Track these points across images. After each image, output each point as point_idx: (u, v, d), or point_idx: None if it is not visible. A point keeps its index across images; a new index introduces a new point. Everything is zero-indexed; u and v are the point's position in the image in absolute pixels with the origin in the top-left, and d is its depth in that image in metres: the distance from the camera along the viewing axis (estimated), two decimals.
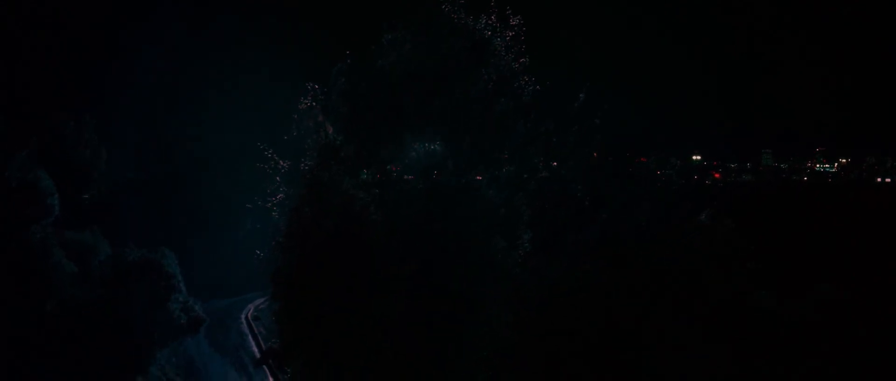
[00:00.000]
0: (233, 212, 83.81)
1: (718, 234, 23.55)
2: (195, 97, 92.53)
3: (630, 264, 22.53)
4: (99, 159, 63.66)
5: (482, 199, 23.12)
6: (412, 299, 22.79)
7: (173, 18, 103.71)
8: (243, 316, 70.37)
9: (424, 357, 22.82)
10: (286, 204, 25.77)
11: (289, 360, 31.05)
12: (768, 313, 22.89)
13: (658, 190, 25.63)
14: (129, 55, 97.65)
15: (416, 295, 22.78)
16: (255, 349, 59.11)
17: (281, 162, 25.10)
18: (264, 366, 52.90)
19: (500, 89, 24.00)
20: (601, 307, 22.10)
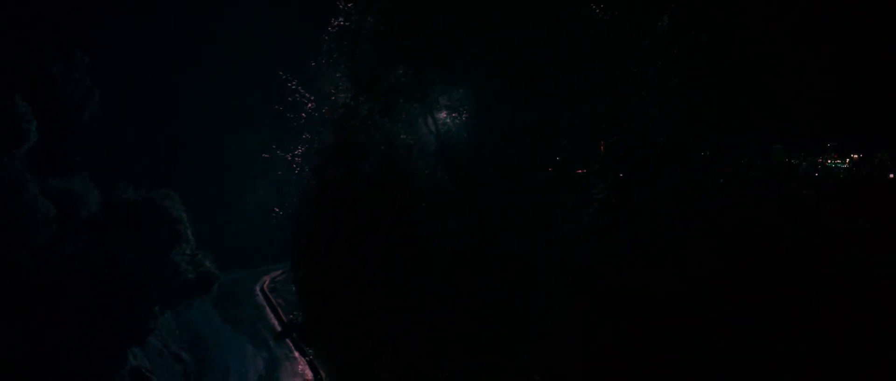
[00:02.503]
0: (246, 176, 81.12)
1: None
2: (205, 37, 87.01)
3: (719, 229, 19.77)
4: (90, 100, 60.08)
5: (542, 143, 21.64)
6: (457, 262, 21.66)
7: None
8: (258, 288, 68.05)
9: (469, 337, 21.56)
10: (310, 158, 24.85)
11: (312, 338, 30.44)
12: None
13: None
14: None
15: (462, 258, 21.62)
16: (275, 322, 56.27)
17: (305, 95, 24.07)
18: (287, 340, 49.85)
19: (567, 13, 21.56)
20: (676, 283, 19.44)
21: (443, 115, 22.99)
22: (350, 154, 23.57)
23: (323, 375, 37.37)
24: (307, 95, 23.85)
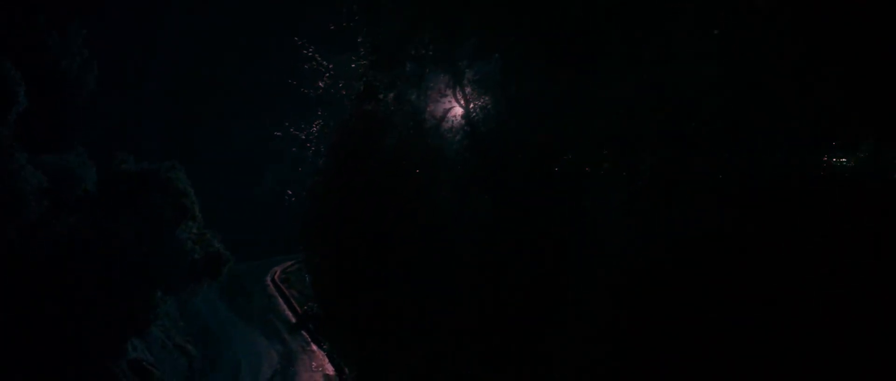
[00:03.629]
0: (255, 161, 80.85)
1: None
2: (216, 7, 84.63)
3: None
4: (89, 74, 58.02)
5: (581, 117, 20.19)
6: (490, 249, 20.48)
7: None
8: (269, 279, 66.35)
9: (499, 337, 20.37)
10: (326, 136, 24.27)
11: (329, 330, 29.16)
12: None
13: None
14: None
15: (494, 246, 20.46)
16: (288, 313, 54.59)
17: (322, 63, 23.14)
18: (303, 332, 47.94)
19: None
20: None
21: (471, 90, 22.30)
22: (371, 130, 22.90)
23: (346, 370, 34.10)
24: (324, 62, 23.31)
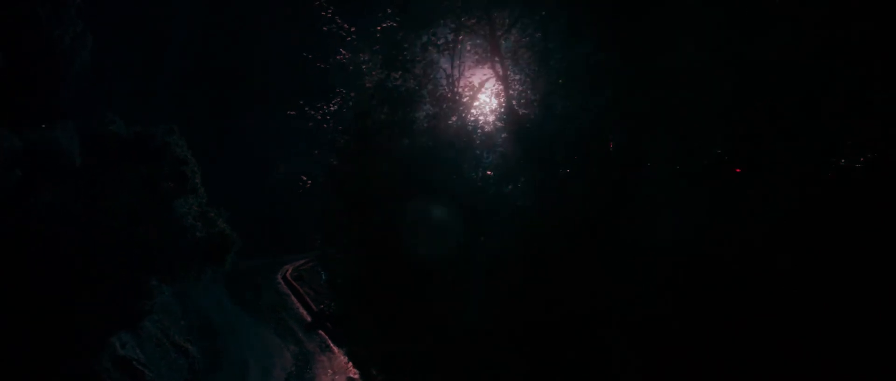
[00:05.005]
0: (265, 154, 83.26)
1: None
2: None
3: None
4: (83, 47, 55.15)
5: (640, 87, 19.62)
6: (530, 238, 20.23)
7: None
8: (280, 276, 67.14)
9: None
10: (345, 116, 23.90)
11: (348, 331, 29.28)
12: None
13: None
14: None
15: (535, 236, 20.14)
16: (303, 311, 54.93)
17: (342, 26, 22.51)
18: (321, 331, 48.37)
19: None
20: None
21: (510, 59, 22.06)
22: (398, 103, 22.60)
23: (374, 372, 33.81)
24: (344, 25, 22.78)
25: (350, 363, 40.15)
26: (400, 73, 22.39)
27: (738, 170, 19.62)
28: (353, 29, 22.72)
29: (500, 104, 22.02)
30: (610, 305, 19.53)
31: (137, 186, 35.05)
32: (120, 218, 34.35)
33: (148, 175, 35.21)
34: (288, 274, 68.04)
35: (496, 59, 21.72)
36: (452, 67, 22.42)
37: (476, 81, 22.56)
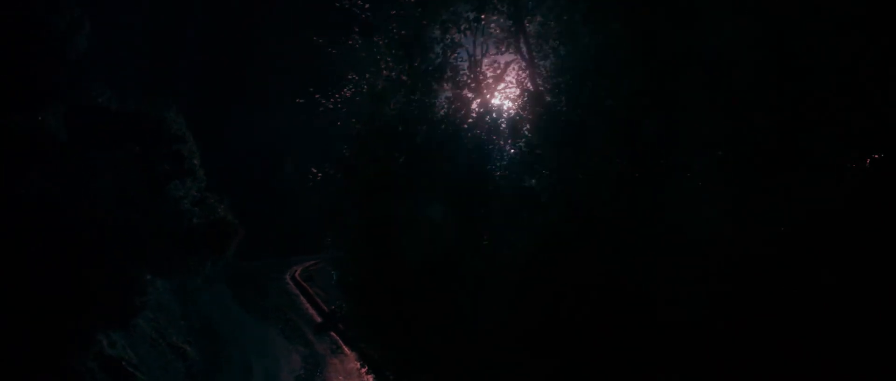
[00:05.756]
0: (272, 151, 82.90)
1: None
2: None
3: None
4: (79, 33, 55.14)
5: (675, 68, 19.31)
6: (554, 235, 20.00)
7: None
8: (288, 276, 67.42)
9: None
10: (361, 98, 23.71)
11: (360, 334, 30.49)
12: None
13: None
14: None
15: (559, 232, 19.99)
16: (313, 312, 55.20)
17: (357, 3, 22.53)
18: (332, 333, 48.40)
19: None
20: None
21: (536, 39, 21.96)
22: (416, 87, 22.56)
23: (389, 376, 33.88)
24: (359, 1, 22.85)
25: (364, 368, 40.16)
26: (418, 54, 22.39)
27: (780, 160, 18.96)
28: (367, 6, 22.68)
29: (525, 88, 21.91)
30: (641, 305, 19.26)
31: (128, 167, 34.00)
32: (107, 202, 33.26)
33: (140, 154, 34.20)
34: (296, 274, 68.50)
35: (521, 39, 21.64)
36: (474, 47, 22.38)
37: (500, 63, 22.49)
